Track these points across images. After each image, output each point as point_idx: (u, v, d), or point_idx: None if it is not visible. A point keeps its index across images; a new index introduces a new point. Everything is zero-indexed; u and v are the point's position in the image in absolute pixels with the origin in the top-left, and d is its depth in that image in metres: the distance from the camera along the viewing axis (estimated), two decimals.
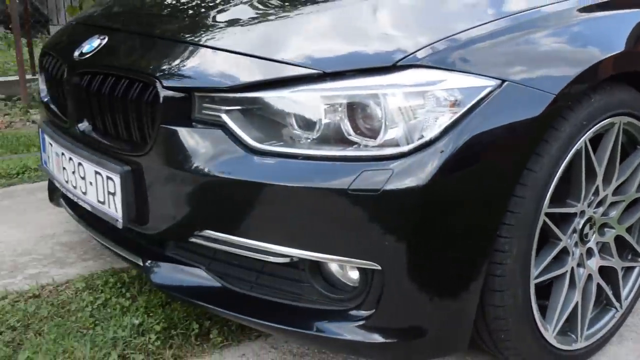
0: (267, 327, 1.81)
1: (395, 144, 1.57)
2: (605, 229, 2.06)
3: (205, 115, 1.72)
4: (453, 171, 1.56)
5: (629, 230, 2.12)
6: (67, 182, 2.15)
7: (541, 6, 1.84)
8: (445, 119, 1.57)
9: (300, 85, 1.63)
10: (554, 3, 1.87)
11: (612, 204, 2.04)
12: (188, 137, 1.72)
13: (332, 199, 1.57)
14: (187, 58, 1.81)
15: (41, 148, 2.39)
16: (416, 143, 1.56)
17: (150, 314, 2.21)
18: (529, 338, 1.84)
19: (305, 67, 1.63)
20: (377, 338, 1.67)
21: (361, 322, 1.67)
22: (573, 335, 2.00)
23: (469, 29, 1.69)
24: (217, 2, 2.14)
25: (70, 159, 2.07)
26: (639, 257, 2.17)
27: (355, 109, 1.61)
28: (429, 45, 1.62)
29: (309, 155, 1.61)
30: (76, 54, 2.07)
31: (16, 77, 6.33)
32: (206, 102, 1.72)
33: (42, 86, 2.44)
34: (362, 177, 1.54)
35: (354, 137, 1.61)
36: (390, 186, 1.53)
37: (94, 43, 2.05)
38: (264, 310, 1.79)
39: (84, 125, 2.05)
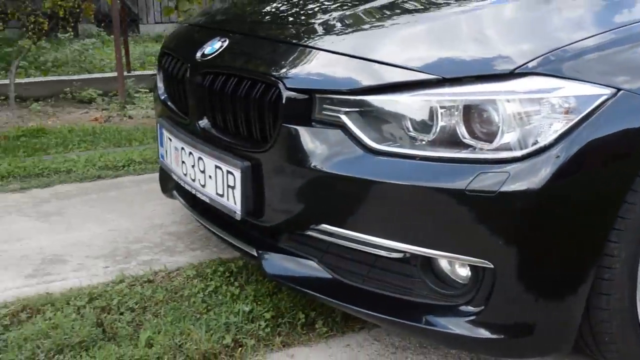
0: (377, 319, 1.90)
1: (509, 148, 1.64)
2: None
3: (325, 115, 1.83)
4: (567, 176, 1.61)
5: None
6: (185, 175, 2.28)
7: None
8: (560, 126, 1.63)
9: (419, 89, 1.72)
10: None
11: None
12: (308, 136, 1.83)
13: (449, 199, 1.65)
14: (308, 61, 1.92)
15: (158, 142, 2.54)
16: (531, 148, 1.63)
17: (259, 303, 2.33)
18: (632, 342, 1.87)
19: (424, 73, 1.72)
20: (485, 333, 1.74)
21: (470, 318, 1.75)
22: None
23: (582, 40, 1.74)
24: (335, 7, 2.24)
25: (190, 153, 2.21)
26: None
27: (471, 114, 1.68)
28: (545, 54, 1.68)
29: (425, 156, 1.70)
30: (198, 55, 2.20)
31: (111, 74, 6.63)
32: (326, 103, 1.82)
33: (160, 84, 2.59)
34: (478, 178, 1.62)
35: (469, 140, 1.68)
36: (506, 188, 1.60)
37: (215, 45, 2.18)
38: (374, 302, 1.88)
39: (204, 122, 2.18)
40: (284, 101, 1.86)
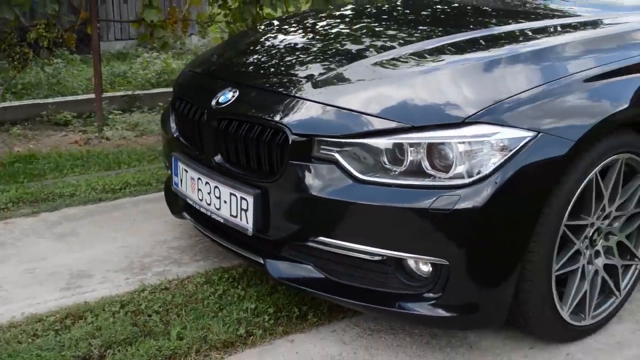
0: (361, 307, 2.50)
1: (461, 176, 2.25)
2: (610, 236, 2.72)
3: (322, 154, 2.40)
4: (502, 196, 2.23)
5: (628, 237, 2.79)
6: (201, 200, 2.82)
7: (567, 75, 2.47)
8: (497, 160, 2.24)
9: (395, 134, 2.31)
10: (574, 73, 2.49)
11: (615, 217, 2.70)
12: (309, 169, 2.41)
13: (416, 215, 2.26)
14: (309, 111, 2.48)
15: (172, 172, 3.06)
16: (476, 177, 2.24)
17: (261, 301, 2.89)
18: (549, 315, 2.51)
19: (399, 122, 2.32)
20: (443, 313, 2.35)
21: (432, 302, 2.35)
22: (582, 315, 2.65)
23: (517, 94, 2.35)
24: (322, 62, 2.83)
25: (207, 183, 2.75)
26: (635, 257, 2.83)
27: (432, 152, 2.29)
28: (488, 107, 2.29)
29: (399, 184, 2.30)
30: (213, 103, 2.73)
31: (83, 96, 6.93)
32: (323, 144, 2.40)
33: (173, 124, 3.13)
34: (438, 200, 2.22)
35: (430, 171, 2.29)
36: (458, 206, 2.21)
37: (227, 95, 2.72)
38: (358, 295, 2.46)
39: (219, 158, 2.73)
40: (290, 143, 2.42)
